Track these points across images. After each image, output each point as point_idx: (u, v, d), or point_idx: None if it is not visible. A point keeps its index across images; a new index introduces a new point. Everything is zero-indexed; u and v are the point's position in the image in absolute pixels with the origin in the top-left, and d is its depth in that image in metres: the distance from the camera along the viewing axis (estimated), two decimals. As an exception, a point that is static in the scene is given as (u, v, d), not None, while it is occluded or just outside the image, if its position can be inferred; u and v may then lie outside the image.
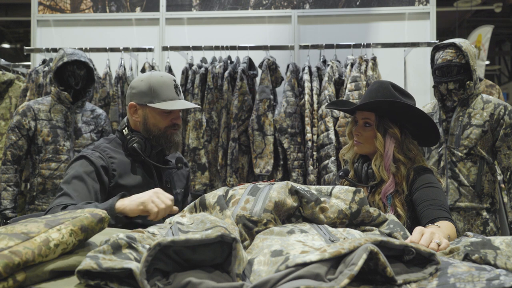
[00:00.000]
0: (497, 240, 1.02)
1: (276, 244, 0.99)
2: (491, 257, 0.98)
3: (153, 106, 1.80)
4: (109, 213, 1.45)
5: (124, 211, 1.50)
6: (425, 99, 3.55)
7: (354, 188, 1.26)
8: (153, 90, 1.81)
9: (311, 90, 3.28)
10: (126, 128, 1.87)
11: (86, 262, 0.84)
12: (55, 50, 3.52)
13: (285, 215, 1.21)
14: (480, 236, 1.10)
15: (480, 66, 8.25)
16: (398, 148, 1.77)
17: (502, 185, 2.81)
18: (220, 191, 1.31)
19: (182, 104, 1.85)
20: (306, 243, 1.01)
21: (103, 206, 1.51)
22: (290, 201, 1.20)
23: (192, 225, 1.16)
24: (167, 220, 1.33)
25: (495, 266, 0.96)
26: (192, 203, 1.34)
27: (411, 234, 1.22)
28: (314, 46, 3.44)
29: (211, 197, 1.29)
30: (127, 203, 1.50)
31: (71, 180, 1.71)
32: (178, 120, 1.87)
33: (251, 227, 1.15)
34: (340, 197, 1.25)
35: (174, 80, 1.87)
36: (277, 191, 1.20)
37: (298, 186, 1.25)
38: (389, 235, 1.21)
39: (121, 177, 1.78)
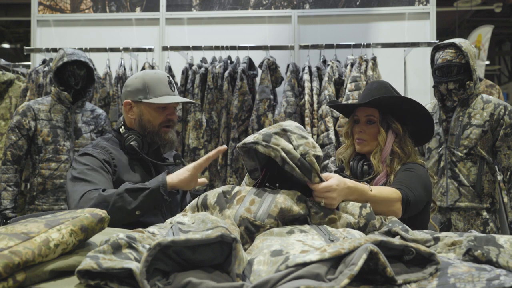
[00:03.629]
0: (502, 239, 1.02)
1: (276, 244, 0.99)
2: (494, 254, 0.98)
3: (147, 102, 1.81)
4: (162, 189, 1.61)
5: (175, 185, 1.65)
6: (425, 99, 3.55)
7: (359, 204, 1.28)
8: (147, 86, 1.82)
9: (311, 90, 3.28)
10: (122, 127, 1.88)
11: (86, 262, 0.84)
12: (55, 50, 3.52)
13: (289, 220, 1.21)
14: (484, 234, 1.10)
15: (480, 66, 8.25)
16: (397, 143, 1.80)
17: (502, 185, 2.81)
18: (224, 187, 1.31)
19: (177, 98, 1.86)
20: (306, 243, 1.01)
21: (154, 183, 1.62)
22: (297, 209, 1.20)
23: (193, 225, 1.16)
24: (168, 220, 1.33)
25: (497, 263, 0.96)
26: (194, 202, 1.34)
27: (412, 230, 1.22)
28: (314, 46, 3.44)
29: (211, 196, 1.29)
30: (176, 181, 1.64)
31: (87, 171, 1.68)
32: (173, 116, 1.87)
33: (253, 231, 1.15)
34: (347, 211, 1.27)
35: (168, 77, 1.88)
36: (283, 197, 1.20)
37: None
38: (388, 231, 1.21)
39: (121, 173, 1.79)
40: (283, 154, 1.21)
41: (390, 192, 1.51)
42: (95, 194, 1.58)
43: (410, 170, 1.72)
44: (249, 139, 1.30)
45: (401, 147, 1.80)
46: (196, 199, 1.34)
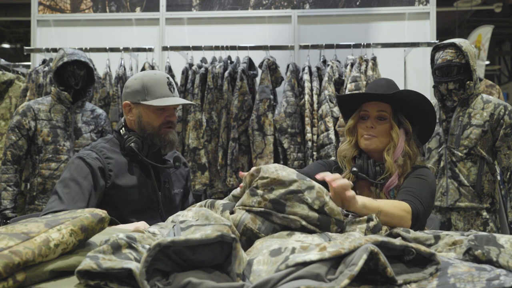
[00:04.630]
0: (502, 239, 1.02)
1: (275, 245, 0.99)
2: (494, 254, 0.98)
3: (146, 104, 1.80)
4: None
5: None
6: (425, 99, 3.55)
7: (365, 217, 1.26)
8: (146, 88, 1.81)
9: (311, 90, 3.28)
10: (123, 128, 1.87)
11: (86, 262, 0.84)
12: (55, 50, 3.52)
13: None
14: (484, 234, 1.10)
15: (480, 66, 8.25)
16: (408, 142, 1.74)
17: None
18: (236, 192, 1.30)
19: (175, 100, 1.84)
20: (305, 241, 1.01)
21: None
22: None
23: (197, 222, 1.16)
24: (170, 218, 1.33)
25: (497, 263, 0.96)
26: (203, 202, 1.34)
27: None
28: (314, 46, 3.44)
29: (221, 202, 1.28)
30: None
31: (66, 183, 1.72)
32: (172, 117, 1.86)
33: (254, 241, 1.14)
34: (353, 226, 1.26)
35: (168, 78, 1.86)
36: None
37: None
38: (390, 233, 1.21)
39: (117, 177, 1.78)
40: (304, 223, 1.13)
41: (400, 209, 1.44)
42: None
43: (421, 177, 1.66)
44: (252, 203, 1.15)
45: (410, 147, 1.74)
46: (206, 201, 1.34)
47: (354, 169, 1.72)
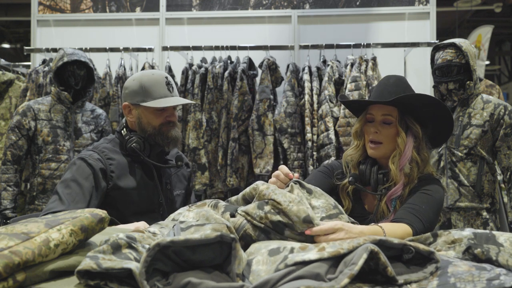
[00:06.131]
0: (502, 237, 1.02)
1: (273, 244, 0.99)
2: (494, 253, 0.98)
3: (145, 105, 1.79)
4: None
5: None
6: (425, 99, 3.54)
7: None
8: (144, 89, 1.80)
9: (311, 90, 3.27)
10: (124, 129, 1.87)
11: (86, 262, 0.84)
12: (55, 50, 3.52)
13: None
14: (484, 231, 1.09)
15: (480, 66, 8.25)
16: (416, 148, 1.63)
17: (502, 185, 2.81)
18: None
19: (174, 100, 1.82)
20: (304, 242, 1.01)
21: None
22: None
23: (198, 222, 1.16)
24: (171, 216, 1.33)
25: (497, 262, 0.96)
26: (208, 201, 1.34)
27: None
28: (314, 46, 3.44)
29: (223, 204, 1.28)
30: None
31: (67, 183, 1.72)
32: (172, 117, 1.85)
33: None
34: None
35: (166, 77, 1.85)
36: None
37: None
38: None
39: (119, 178, 1.77)
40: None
41: (401, 233, 1.37)
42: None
43: (427, 193, 1.56)
44: (255, 216, 1.14)
45: (419, 153, 1.62)
46: (211, 201, 1.34)
47: (351, 179, 1.63)
